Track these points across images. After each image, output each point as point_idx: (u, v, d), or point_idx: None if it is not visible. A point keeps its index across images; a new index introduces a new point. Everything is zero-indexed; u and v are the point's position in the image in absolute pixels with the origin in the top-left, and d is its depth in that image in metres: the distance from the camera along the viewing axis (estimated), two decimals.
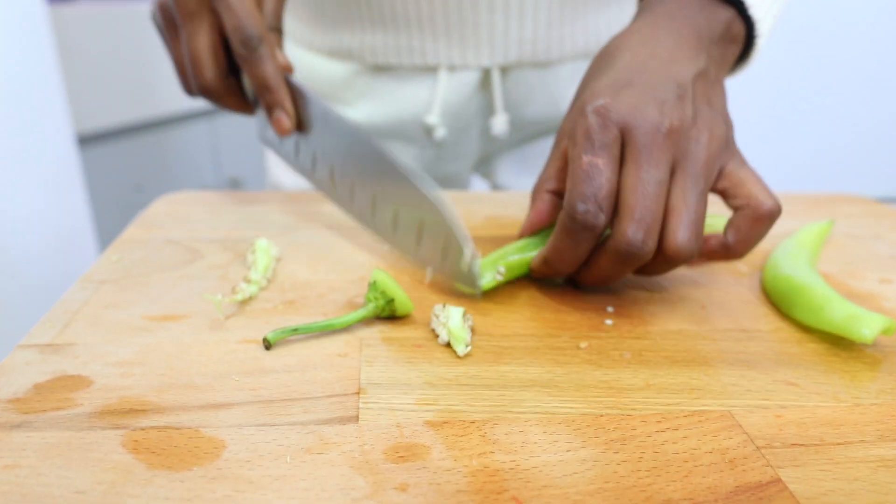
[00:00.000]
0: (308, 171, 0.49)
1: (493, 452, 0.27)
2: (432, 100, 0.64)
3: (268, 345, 0.34)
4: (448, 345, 0.34)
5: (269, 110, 0.46)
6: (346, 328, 0.36)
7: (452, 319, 0.34)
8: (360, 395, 0.30)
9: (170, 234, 0.49)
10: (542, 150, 0.69)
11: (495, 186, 0.75)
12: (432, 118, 0.64)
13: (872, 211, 0.59)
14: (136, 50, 1.46)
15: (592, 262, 0.38)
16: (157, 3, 0.46)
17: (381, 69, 0.64)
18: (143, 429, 0.28)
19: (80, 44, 1.34)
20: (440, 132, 0.65)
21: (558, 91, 0.64)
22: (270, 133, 0.50)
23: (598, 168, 0.36)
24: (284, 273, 0.43)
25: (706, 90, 0.39)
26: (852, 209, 0.59)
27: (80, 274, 0.42)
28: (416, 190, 0.40)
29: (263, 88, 0.45)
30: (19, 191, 1.05)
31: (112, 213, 1.41)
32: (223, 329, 0.36)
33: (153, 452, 0.26)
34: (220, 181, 1.74)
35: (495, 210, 0.56)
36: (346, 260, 0.45)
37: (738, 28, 0.42)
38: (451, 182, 0.73)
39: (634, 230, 0.35)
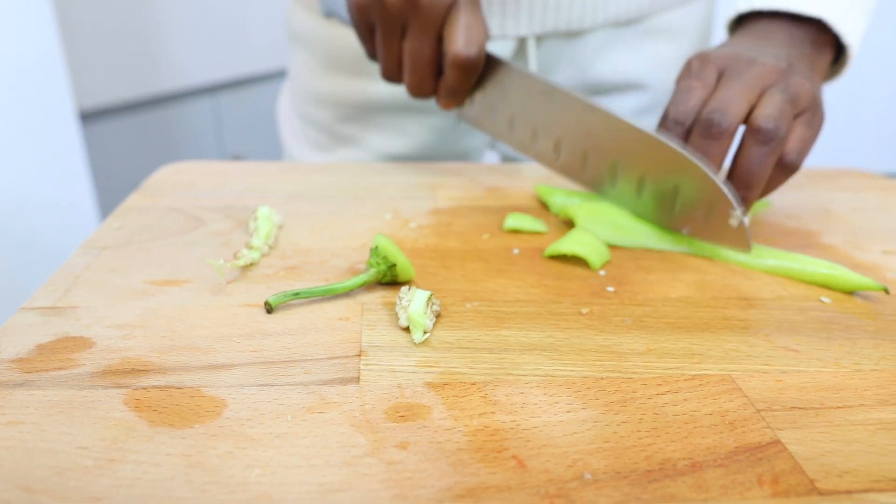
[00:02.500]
0: (524, 144, 0.50)
1: (493, 413, 0.27)
2: None
3: (269, 308, 0.34)
4: (407, 329, 0.33)
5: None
6: (347, 293, 0.36)
7: (414, 303, 0.33)
8: (361, 357, 0.31)
9: (172, 202, 0.49)
10: None
11: (509, 158, 0.75)
12: None
13: (878, 185, 0.59)
14: (140, 25, 1.45)
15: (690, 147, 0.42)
16: (370, 1, 0.47)
17: None
18: (144, 388, 0.28)
19: (83, 19, 1.33)
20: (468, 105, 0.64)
21: (586, 60, 0.63)
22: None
23: (691, 87, 0.43)
24: (286, 240, 0.43)
25: (798, 69, 0.45)
26: (858, 183, 0.59)
27: None
28: (667, 150, 0.41)
29: (460, 94, 0.49)
30: (20, 167, 1.05)
31: (115, 189, 1.41)
32: (225, 294, 0.36)
33: (155, 410, 0.27)
34: (223, 157, 1.74)
35: (498, 181, 0.55)
36: (349, 227, 0.45)
37: (825, 39, 0.49)
38: (464, 159, 0.72)
39: (714, 104, 0.41)
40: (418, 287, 0.37)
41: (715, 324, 0.35)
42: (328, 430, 0.26)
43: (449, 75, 0.47)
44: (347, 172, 0.56)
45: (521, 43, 0.63)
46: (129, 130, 1.49)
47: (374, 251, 0.36)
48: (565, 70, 0.63)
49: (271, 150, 1.83)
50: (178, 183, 0.52)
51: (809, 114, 0.43)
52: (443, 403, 0.27)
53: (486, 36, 0.47)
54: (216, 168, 0.56)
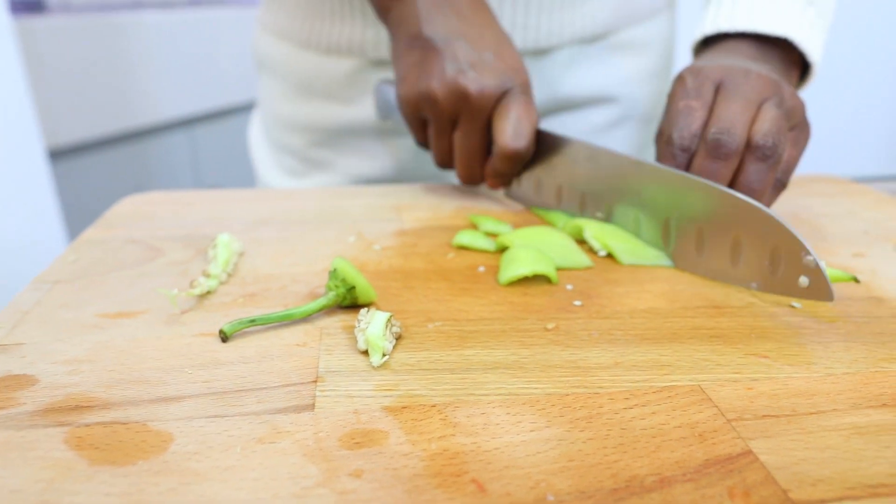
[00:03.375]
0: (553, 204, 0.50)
1: (453, 435, 0.26)
2: None
3: (224, 337, 0.33)
4: (365, 352, 0.32)
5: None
6: (306, 318, 0.35)
7: (372, 326, 0.32)
8: (318, 384, 0.29)
9: (131, 233, 0.47)
10: None
11: None
12: None
13: (847, 190, 0.59)
14: (112, 62, 1.44)
15: (693, 172, 0.41)
16: (421, 96, 0.47)
17: (383, 63, 0.63)
18: (87, 425, 0.27)
19: (52, 56, 1.32)
20: None
21: (555, 76, 0.63)
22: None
23: (692, 108, 0.42)
24: (247, 267, 0.42)
25: (785, 82, 0.44)
26: (826, 188, 0.59)
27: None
28: (725, 198, 0.38)
29: (508, 178, 0.51)
30: None
31: (88, 225, 1.39)
32: (179, 323, 0.35)
33: (97, 448, 0.25)
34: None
35: (466, 201, 0.55)
36: (311, 252, 0.44)
37: (791, 57, 0.50)
38: (440, 178, 0.72)
39: (720, 125, 0.40)
40: (380, 309, 0.36)
41: (684, 333, 0.34)
42: (279, 460, 0.25)
43: (497, 164, 0.48)
44: (312, 197, 0.55)
45: None
46: (102, 166, 1.47)
47: (333, 274, 0.35)
48: (535, 87, 0.63)
49: (249, 181, 1.82)
50: (138, 214, 0.51)
51: (798, 130, 0.43)
52: (400, 428, 0.26)
53: (536, 125, 0.47)
54: (179, 198, 0.55)
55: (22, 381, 0.29)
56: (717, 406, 0.28)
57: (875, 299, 0.38)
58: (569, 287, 0.39)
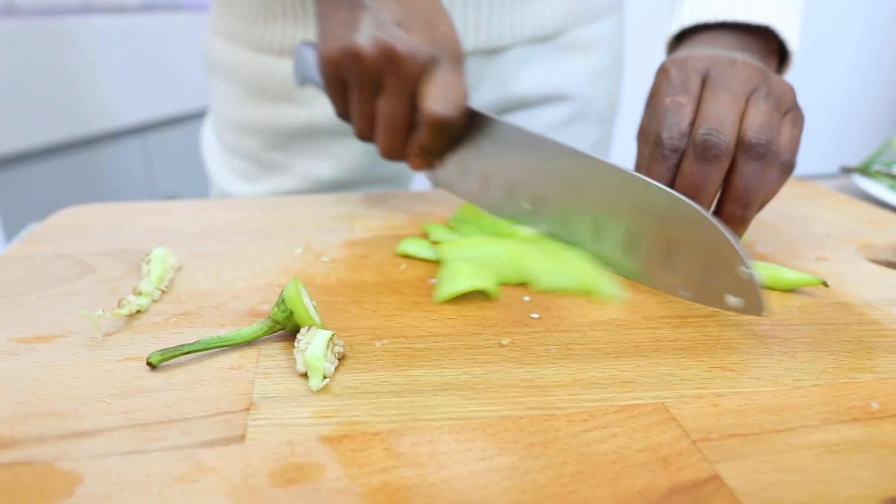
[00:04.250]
0: (478, 196, 0.47)
1: (396, 467, 0.24)
2: None
3: (152, 366, 0.30)
4: (305, 375, 0.29)
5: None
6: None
7: (313, 346, 0.29)
8: (250, 412, 0.27)
9: (60, 248, 0.44)
10: None
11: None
12: None
13: (808, 192, 0.58)
14: (59, 67, 1.38)
15: (682, 174, 0.38)
16: (344, 53, 0.43)
17: None
18: None
19: None
20: None
21: (507, 75, 0.62)
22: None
23: (679, 104, 0.40)
24: (183, 283, 0.39)
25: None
26: (788, 191, 0.58)
27: None
28: (663, 196, 0.36)
29: (432, 155, 0.46)
30: None
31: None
32: (103, 348, 0.32)
33: None
34: (155, 199, 1.67)
35: (422, 208, 0.52)
36: (254, 266, 0.41)
37: (770, 46, 0.48)
38: (395, 184, 0.70)
39: (708, 125, 0.37)
40: (324, 326, 0.33)
41: (647, 346, 0.32)
42: (200, 501, 0.22)
43: (422, 134, 0.44)
44: (261, 207, 0.53)
45: None
46: (50, 176, 1.41)
47: (280, 304, 0.32)
48: (488, 86, 0.62)
49: (206, 188, 1.77)
50: (71, 227, 0.48)
51: (793, 111, 0.41)
52: (338, 460, 0.24)
53: (466, 96, 0.43)
54: (118, 210, 0.52)
55: None
56: (681, 426, 0.26)
57: (841, 304, 0.37)
58: (526, 299, 0.37)
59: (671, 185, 0.38)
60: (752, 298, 0.34)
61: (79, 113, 1.44)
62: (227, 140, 0.69)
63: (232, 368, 0.30)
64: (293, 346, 0.31)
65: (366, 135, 0.47)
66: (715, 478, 0.23)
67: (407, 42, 0.42)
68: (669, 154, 0.39)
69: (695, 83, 0.41)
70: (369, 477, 0.23)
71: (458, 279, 0.36)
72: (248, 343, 0.32)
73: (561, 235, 0.42)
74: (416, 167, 0.47)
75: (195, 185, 1.75)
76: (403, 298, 0.37)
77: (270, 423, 0.26)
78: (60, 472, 0.23)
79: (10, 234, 1.22)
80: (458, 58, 0.44)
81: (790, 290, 0.39)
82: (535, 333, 0.33)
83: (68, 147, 1.44)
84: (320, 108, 0.62)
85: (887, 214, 0.52)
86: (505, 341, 0.32)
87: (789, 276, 0.38)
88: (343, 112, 0.48)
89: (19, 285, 0.38)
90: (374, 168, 0.66)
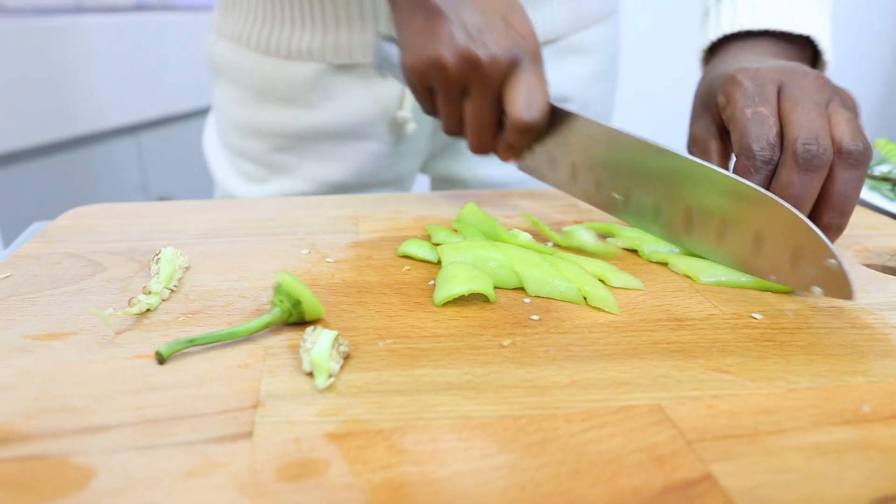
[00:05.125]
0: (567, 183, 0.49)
1: (399, 464, 0.24)
2: (402, 94, 0.63)
3: (161, 359, 0.31)
4: (310, 374, 0.30)
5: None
6: (250, 337, 0.33)
7: (318, 345, 0.30)
8: (257, 409, 0.28)
9: (71, 247, 0.45)
10: None
11: (442, 178, 0.74)
12: (405, 112, 0.63)
13: None
14: (50, 67, 1.37)
15: (781, 184, 0.39)
16: (429, 64, 0.45)
17: (345, 68, 0.62)
18: (2, 461, 0.24)
19: None
20: (412, 126, 0.64)
21: None
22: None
23: (763, 115, 0.40)
24: (192, 282, 0.40)
25: None
26: None
27: None
28: (752, 193, 0.38)
29: (521, 151, 0.49)
30: None
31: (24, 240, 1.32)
32: (114, 345, 0.33)
33: (10, 487, 0.23)
34: (149, 200, 1.67)
35: (425, 210, 0.53)
36: (261, 266, 0.42)
37: (804, 55, 0.50)
38: (399, 186, 0.71)
39: (806, 135, 0.38)
40: (329, 326, 0.34)
41: (644, 349, 0.33)
42: (210, 496, 0.23)
43: (510, 136, 0.46)
44: (267, 208, 0.53)
45: None
46: (42, 175, 1.41)
47: (277, 289, 0.34)
48: None
49: (200, 189, 1.77)
50: (81, 227, 0.49)
51: (859, 118, 0.42)
52: (343, 457, 0.25)
53: (549, 95, 0.45)
54: (126, 210, 0.53)
55: None
56: (676, 426, 0.27)
57: (836, 309, 0.38)
58: (526, 301, 0.38)
59: None
60: (842, 286, 0.36)
61: (69, 113, 1.43)
62: (233, 142, 0.70)
63: (239, 366, 0.31)
64: (299, 346, 0.32)
65: (455, 131, 0.49)
66: (708, 477, 0.24)
67: (487, 48, 0.43)
68: (762, 165, 0.40)
69: (771, 93, 0.41)
70: (373, 473, 0.24)
71: (454, 283, 0.37)
72: (254, 339, 0.33)
73: (650, 227, 0.45)
74: (505, 159, 0.50)
75: (191, 186, 1.75)
76: (406, 299, 0.37)
77: (277, 421, 0.27)
78: (74, 466, 0.24)
79: (4, 233, 1.22)
80: (536, 55, 0.45)
81: (787, 292, 0.39)
82: (536, 335, 0.34)
83: (59, 147, 1.44)
84: (328, 110, 0.63)
85: (883, 219, 0.53)
86: (506, 342, 0.33)
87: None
88: (429, 110, 0.50)
89: (31, 283, 0.39)
90: (381, 171, 0.67)
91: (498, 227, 0.45)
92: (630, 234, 0.45)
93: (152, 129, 1.65)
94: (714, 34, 0.52)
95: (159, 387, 0.29)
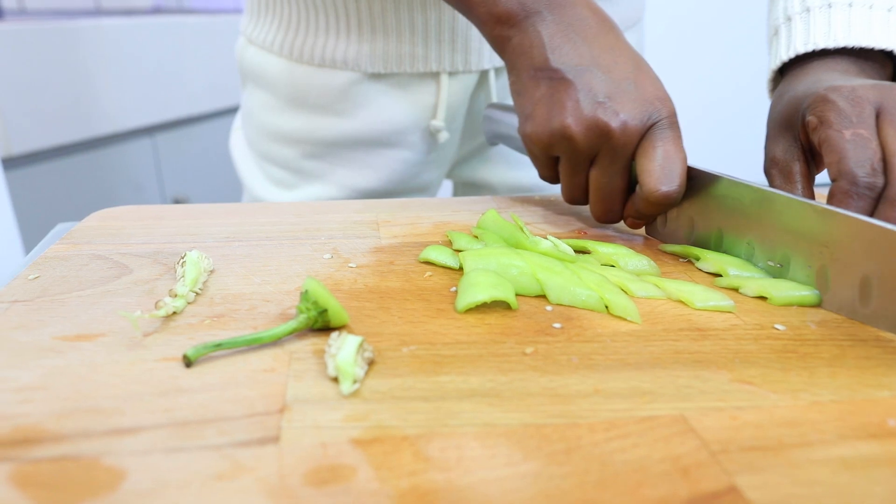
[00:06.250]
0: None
1: (425, 471, 0.25)
2: (436, 104, 0.63)
3: (188, 362, 0.31)
4: (336, 379, 0.30)
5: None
6: (275, 342, 0.33)
7: (343, 351, 0.30)
8: (284, 414, 0.28)
9: (97, 249, 0.46)
10: None
11: (466, 182, 0.75)
12: (438, 122, 0.63)
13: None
14: (70, 69, 1.39)
15: (883, 213, 0.38)
16: (554, 135, 0.43)
17: (379, 77, 0.62)
18: (35, 460, 0.25)
19: (6, 63, 1.27)
20: (445, 135, 0.65)
21: None
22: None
23: (864, 137, 0.39)
24: (216, 286, 0.40)
25: None
26: None
27: None
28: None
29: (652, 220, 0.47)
30: None
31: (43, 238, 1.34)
32: (142, 347, 0.33)
33: (43, 487, 0.24)
34: (165, 202, 1.68)
35: (445, 216, 0.53)
36: (284, 270, 0.42)
37: (877, 71, 0.48)
38: (425, 193, 0.71)
39: None
40: (353, 331, 0.34)
41: (666, 358, 0.33)
42: (238, 500, 0.23)
43: (642, 206, 0.44)
44: (288, 212, 0.54)
45: (483, 75, 0.65)
46: (61, 176, 1.43)
47: (304, 296, 0.34)
48: None
49: (215, 192, 1.79)
50: (107, 229, 0.50)
51: None
52: (369, 462, 0.25)
53: (686, 164, 0.42)
54: (150, 212, 0.53)
55: None
56: (700, 437, 0.27)
57: (858, 322, 0.37)
58: (548, 308, 0.38)
59: None
60: None
61: (88, 114, 1.45)
62: (262, 147, 0.70)
63: (265, 371, 0.31)
64: (324, 351, 0.32)
65: (578, 201, 0.47)
66: (733, 489, 0.24)
67: (618, 116, 0.41)
68: (866, 192, 0.38)
69: (869, 114, 0.40)
70: (399, 480, 0.24)
71: (476, 289, 0.37)
72: (280, 344, 0.33)
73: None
74: (634, 227, 0.48)
75: (207, 188, 1.76)
76: (429, 305, 0.38)
77: (304, 425, 0.27)
78: (105, 468, 0.25)
79: (23, 233, 1.24)
80: (673, 119, 0.43)
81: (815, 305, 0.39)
82: (558, 343, 0.34)
83: (77, 148, 1.45)
84: (362, 119, 0.63)
85: None
86: (529, 350, 0.33)
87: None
88: (548, 177, 0.48)
89: (59, 284, 0.40)
90: (410, 178, 0.68)
91: (519, 233, 0.45)
92: (714, 257, 0.43)
93: (169, 130, 1.67)
94: (786, 54, 0.49)
95: (187, 389, 0.30)
